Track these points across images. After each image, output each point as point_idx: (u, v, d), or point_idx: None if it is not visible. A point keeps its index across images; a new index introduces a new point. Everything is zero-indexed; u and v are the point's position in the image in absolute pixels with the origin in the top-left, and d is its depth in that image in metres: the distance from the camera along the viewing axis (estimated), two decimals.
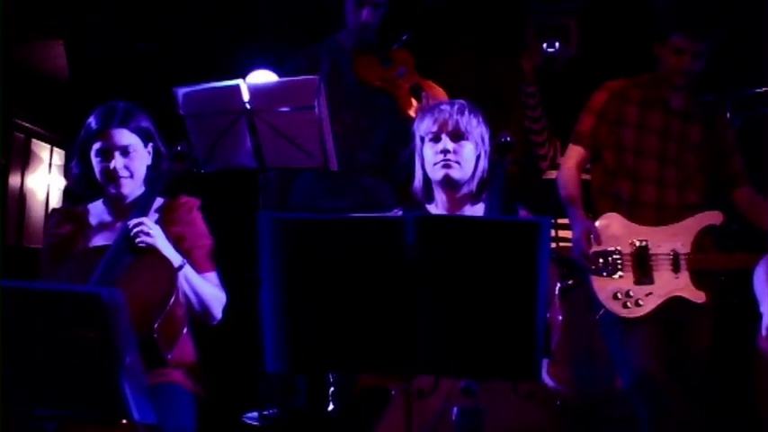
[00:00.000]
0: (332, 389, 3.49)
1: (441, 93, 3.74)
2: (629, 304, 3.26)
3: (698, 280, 3.29)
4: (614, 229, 3.33)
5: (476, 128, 2.72)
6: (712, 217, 3.36)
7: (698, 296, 3.27)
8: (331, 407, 3.45)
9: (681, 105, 3.41)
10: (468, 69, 5.22)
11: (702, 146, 3.41)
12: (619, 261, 3.30)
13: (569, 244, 3.78)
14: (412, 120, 3.21)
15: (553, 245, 4.10)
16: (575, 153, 3.44)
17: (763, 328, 2.58)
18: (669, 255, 3.30)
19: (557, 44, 4.91)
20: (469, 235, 1.85)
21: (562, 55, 4.92)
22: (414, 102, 3.68)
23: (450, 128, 2.69)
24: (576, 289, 3.75)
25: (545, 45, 4.93)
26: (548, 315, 2.45)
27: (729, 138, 3.49)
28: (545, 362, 2.56)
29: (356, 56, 3.80)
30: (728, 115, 4.34)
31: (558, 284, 2.53)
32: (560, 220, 4.15)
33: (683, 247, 3.31)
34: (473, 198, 2.77)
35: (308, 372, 2.78)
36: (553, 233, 4.20)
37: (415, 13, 4.86)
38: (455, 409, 2.14)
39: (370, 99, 3.80)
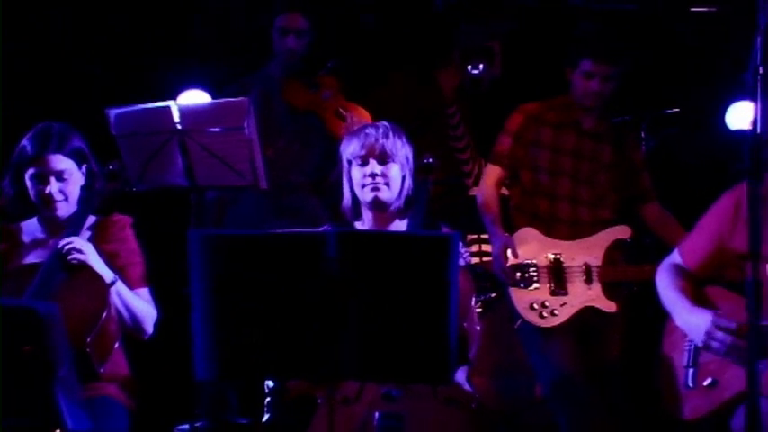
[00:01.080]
0: (267, 399, 3.59)
1: (364, 114, 3.89)
2: (545, 314, 3.45)
3: (609, 291, 3.49)
4: (530, 244, 3.52)
5: (401, 149, 2.87)
6: (621, 231, 3.57)
7: (609, 306, 3.47)
8: (266, 417, 3.54)
9: (592, 127, 3.61)
10: (399, 91, 5.37)
11: (613, 165, 3.62)
12: (535, 273, 3.49)
13: (491, 258, 3.95)
14: (341, 140, 3.36)
15: (477, 259, 4.26)
16: (493, 172, 3.62)
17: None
18: (582, 267, 3.50)
19: (481, 66, 5.10)
20: (386, 249, 1.99)
21: (487, 76, 5.11)
22: (340, 123, 3.83)
23: (376, 151, 2.83)
24: (499, 301, 3.92)
25: (470, 67, 5.12)
26: (465, 325, 2.60)
27: (638, 157, 3.72)
28: (464, 369, 2.70)
29: (284, 83, 3.94)
30: (643, 135, 4.59)
31: (475, 297, 2.67)
32: (485, 236, 4.31)
33: (595, 259, 3.51)
34: (399, 215, 2.92)
35: (236, 378, 2.87)
36: (477, 248, 4.36)
37: (345, 38, 4.99)
38: (377, 414, 2.26)
39: (302, 123, 3.94)
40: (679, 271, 2.63)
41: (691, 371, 2.52)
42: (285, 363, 2.03)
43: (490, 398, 4.13)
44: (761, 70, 2.03)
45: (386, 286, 2.00)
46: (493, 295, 4.16)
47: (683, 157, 4.70)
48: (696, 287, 2.60)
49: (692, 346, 2.51)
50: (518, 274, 3.48)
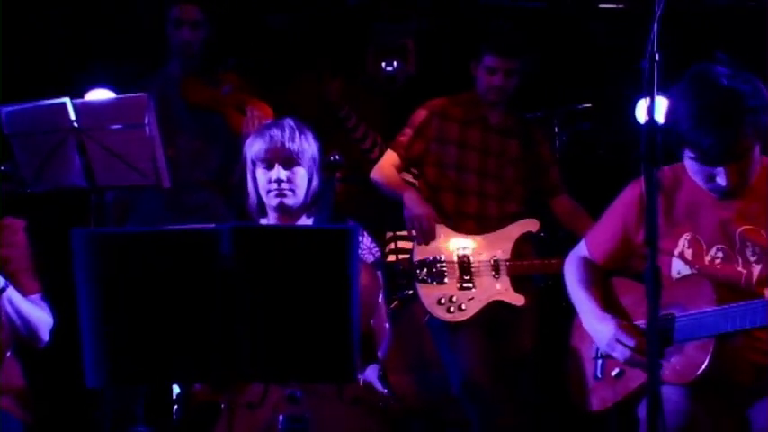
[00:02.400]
0: (175, 407, 3.47)
1: (266, 110, 3.80)
2: (452, 309, 3.43)
3: (517, 284, 3.49)
4: (438, 239, 3.49)
5: (307, 150, 2.77)
6: (530, 225, 3.57)
7: (517, 300, 3.47)
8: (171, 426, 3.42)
9: (499, 122, 3.61)
10: (311, 90, 5.31)
11: (521, 159, 3.63)
12: (443, 268, 3.46)
13: (407, 256, 3.92)
14: (243, 137, 3.28)
15: (393, 257, 4.22)
16: (390, 157, 3.60)
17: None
18: (490, 261, 3.49)
19: (395, 63, 5.08)
20: (282, 243, 1.92)
21: (401, 74, 5.09)
22: (241, 118, 3.73)
23: (282, 156, 2.73)
24: (415, 298, 3.88)
25: (384, 64, 5.10)
26: (372, 322, 2.55)
27: (546, 151, 3.73)
28: (375, 367, 2.65)
29: (183, 80, 3.82)
30: (556, 130, 4.63)
31: (396, 294, 2.62)
32: (401, 233, 4.28)
33: (503, 253, 3.51)
34: (305, 212, 2.84)
35: (127, 384, 2.76)
36: (393, 245, 4.32)
37: (256, 36, 4.91)
38: (281, 417, 2.19)
39: (203, 121, 3.82)
40: (586, 264, 2.63)
41: (599, 362, 2.52)
42: (179, 366, 1.94)
43: (408, 395, 4.10)
44: (657, 57, 2.03)
45: (283, 282, 1.93)
46: (409, 292, 4.13)
47: (595, 151, 4.75)
48: (603, 280, 2.60)
49: None
50: (425, 269, 3.45)
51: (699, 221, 2.38)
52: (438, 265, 3.46)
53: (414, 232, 3.48)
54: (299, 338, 1.95)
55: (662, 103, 4.00)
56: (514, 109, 3.67)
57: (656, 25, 2.00)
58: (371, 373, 2.60)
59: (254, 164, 2.79)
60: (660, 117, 2.06)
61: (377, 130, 4.52)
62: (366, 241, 2.77)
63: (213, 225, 1.86)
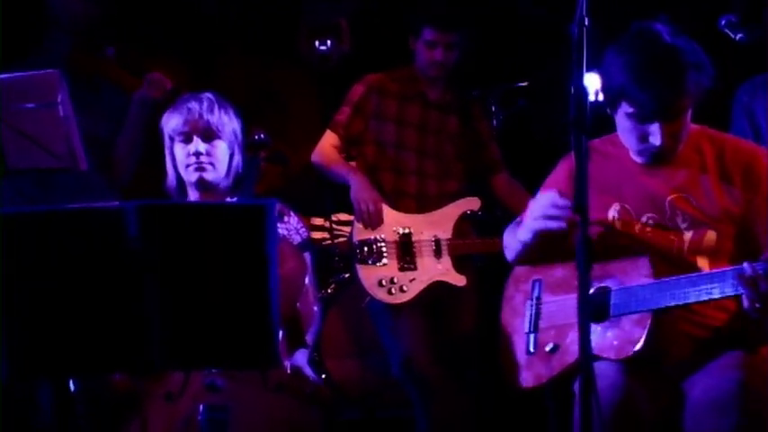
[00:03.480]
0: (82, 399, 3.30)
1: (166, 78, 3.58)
2: (393, 291, 3.34)
3: (459, 265, 3.42)
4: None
5: (227, 124, 2.64)
6: (470, 203, 3.50)
7: (459, 280, 3.40)
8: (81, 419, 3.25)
9: (438, 98, 3.52)
10: (243, 71, 5.17)
11: (460, 136, 3.55)
12: (383, 249, 3.36)
13: (345, 239, 3.82)
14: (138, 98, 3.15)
15: (329, 241, 4.12)
16: (330, 138, 3.49)
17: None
18: (431, 241, 3.41)
19: (329, 42, 4.96)
20: (193, 221, 1.80)
21: (335, 53, 4.98)
22: (132, 80, 3.49)
23: (200, 128, 2.60)
24: (352, 281, 3.78)
25: (317, 43, 4.98)
26: (298, 305, 2.44)
27: (485, 128, 3.66)
28: (304, 352, 2.54)
29: (68, 58, 3.61)
30: (493, 108, 4.57)
31: (309, 276, 2.50)
32: (341, 216, 4.19)
33: (445, 233, 3.43)
34: (228, 193, 2.71)
35: (28, 379, 2.61)
36: (329, 226, 4.22)
37: (187, 16, 4.75)
38: (201, 407, 2.07)
39: (89, 100, 3.60)
40: None
41: (532, 336, 2.45)
42: (86, 358, 1.80)
43: (347, 380, 4.02)
44: (586, 22, 1.96)
45: (196, 263, 1.81)
46: (346, 276, 4.04)
47: (533, 129, 4.70)
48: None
49: (533, 311, 2.43)
50: (365, 249, 3.35)
51: (627, 191, 2.33)
52: (378, 245, 3.37)
53: (362, 215, 3.36)
54: (214, 323, 1.83)
55: (592, 78, 3.98)
56: (453, 84, 3.57)
57: None
58: (300, 359, 2.49)
59: (171, 139, 2.65)
60: (590, 84, 1.97)
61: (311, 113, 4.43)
62: (293, 221, 2.66)
63: (117, 203, 1.72)
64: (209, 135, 2.60)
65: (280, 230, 2.58)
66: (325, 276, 4.24)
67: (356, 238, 3.38)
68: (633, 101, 2.18)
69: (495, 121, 4.46)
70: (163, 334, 1.82)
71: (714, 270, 2.17)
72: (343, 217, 4.17)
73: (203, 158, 2.58)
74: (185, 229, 1.80)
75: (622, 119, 2.25)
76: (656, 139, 2.20)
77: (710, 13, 3.05)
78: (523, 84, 4.56)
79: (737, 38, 2.82)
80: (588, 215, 1.85)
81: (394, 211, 3.41)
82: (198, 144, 2.59)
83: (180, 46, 4.81)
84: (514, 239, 2.47)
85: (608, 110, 2.30)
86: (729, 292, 2.06)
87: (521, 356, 2.46)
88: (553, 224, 2.20)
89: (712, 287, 2.09)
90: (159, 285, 1.80)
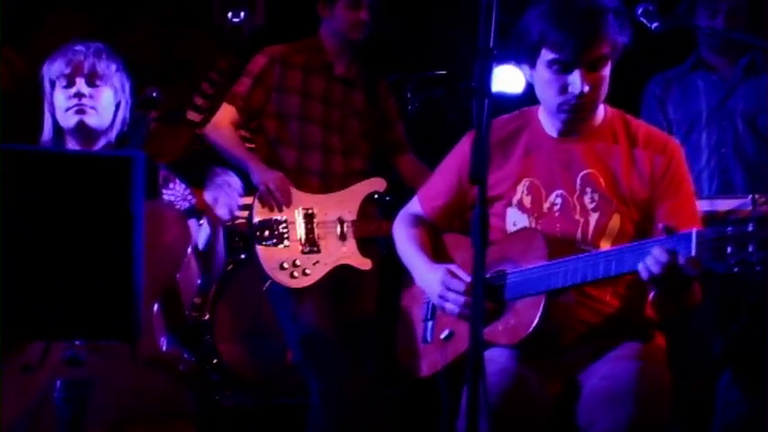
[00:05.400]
0: None
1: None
2: (296, 274, 3.16)
3: (363, 247, 3.28)
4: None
5: (115, 73, 2.43)
6: (376, 184, 3.36)
7: (364, 263, 3.26)
8: None
9: (344, 72, 3.37)
10: (153, 39, 4.95)
11: (365, 113, 3.40)
12: (285, 230, 3.19)
13: (243, 220, 3.62)
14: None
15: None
16: (227, 112, 3.28)
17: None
18: (336, 222, 3.26)
19: (242, 14, 4.77)
20: (50, 171, 1.60)
21: (247, 25, 4.79)
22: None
23: (85, 70, 2.39)
24: (249, 262, 3.60)
25: (230, 15, 4.78)
26: (178, 276, 2.26)
27: (391, 106, 3.52)
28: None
29: None
30: (409, 95, 4.46)
31: (191, 249, 2.32)
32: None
33: (350, 214, 3.28)
34: (110, 148, 2.49)
35: None
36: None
37: None
38: (58, 381, 1.87)
39: None
40: (418, 221, 2.44)
41: (428, 324, 2.33)
42: None
43: (240, 364, 3.84)
44: None
45: (55, 218, 1.61)
46: (243, 256, 3.86)
47: (447, 118, 4.61)
48: (435, 237, 2.42)
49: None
50: (266, 231, 3.17)
51: (539, 166, 2.24)
52: (280, 226, 3.18)
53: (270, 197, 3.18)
54: (69, 287, 1.64)
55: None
56: (358, 60, 3.43)
57: None
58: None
59: (52, 85, 2.42)
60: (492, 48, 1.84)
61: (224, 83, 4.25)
62: (179, 188, 2.47)
63: None
64: (94, 79, 2.39)
65: (165, 197, 2.40)
66: (225, 255, 4.06)
67: (256, 218, 3.19)
68: (553, 44, 2.11)
69: (409, 108, 4.37)
70: (11, 298, 1.62)
71: (609, 249, 2.09)
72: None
73: (86, 101, 2.37)
74: (40, 179, 1.61)
75: (542, 71, 2.17)
76: (575, 87, 2.12)
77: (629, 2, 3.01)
78: (441, 72, 4.48)
79: (653, 27, 2.76)
80: (486, 185, 1.73)
81: (297, 191, 3.24)
82: (81, 86, 2.38)
83: (91, 12, 4.58)
84: (401, 244, 2.42)
85: (528, 70, 2.20)
86: (624, 269, 1.98)
87: (417, 344, 2.36)
88: (442, 305, 2.22)
89: (608, 264, 2.00)
90: (14, 243, 1.60)
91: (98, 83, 2.39)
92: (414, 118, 4.38)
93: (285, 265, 3.17)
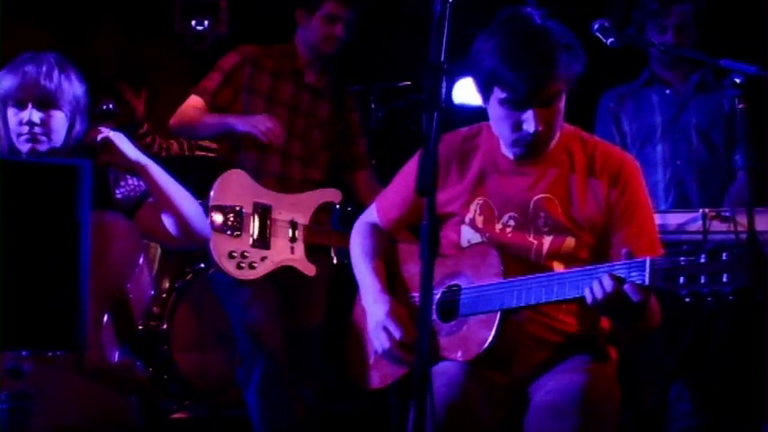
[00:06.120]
0: None
1: None
2: (242, 265, 3.14)
3: (311, 254, 3.27)
4: (238, 186, 3.20)
5: (67, 91, 2.37)
6: (332, 194, 3.37)
7: (308, 269, 3.26)
8: None
9: (314, 80, 3.38)
10: (114, 48, 4.93)
11: (329, 124, 3.40)
12: (240, 220, 3.17)
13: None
14: None
15: None
16: (194, 101, 3.26)
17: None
18: (288, 223, 3.25)
19: (206, 22, 4.76)
20: (1, 178, 1.57)
21: (211, 33, 4.77)
22: None
23: (36, 94, 2.34)
24: (206, 274, 3.57)
25: (194, 22, 4.76)
26: (129, 286, 2.23)
27: (355, 120, 3.52)
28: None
29: None
30: (373, 106, 4.46)
31: (144, 256, 2.29)
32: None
33: (303, 218, 3.28)
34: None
35: None
36: None
37: None
38: (2, 394, 1.84)
39: None
40: (375, 232, 2.44)
41: None
42: None
43: (196, 375, 3.81)
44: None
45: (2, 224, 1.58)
46: (202, 265, 3.83)
47: (408, 128, 4.63)
48: (389, 249, 2.42)
49: None
50: (221, 217, 3.13)
51: (493, 187, 2.23)
52: (235, 215, 3.15)
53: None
54: (14, 297, 1.61)
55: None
56: (329, 71, 3.42)
57: None
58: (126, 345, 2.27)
59: (4, 103, 2.38)
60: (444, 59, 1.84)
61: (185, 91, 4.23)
62: (131, 181, 2.42)
63: None
64: (46, 103, 2.34)
65: (118, 194, 2.37)
66: (182, 265, 4.02)
67: (212, 202, 3.15)
68: (505, 84, 2.08)
69: (372, 119, 4.38)
70: None
71: (563, 271, 2.08)
72: None
73: (37, 129, 2.33)
74: None
75: (495, 107, 2.15)
76: (529, 125, 2.09)
77: (587, 17, 3.04)
78: (405, 83, 4.49)
79: (608, 42, 2.79)
80: (434, 197, 1.73)
81: (257, 184, 3.23)
82: (32, 113, 2.33)
83: (52, 17, 4.54)
84: (356, 258, 2.41)
85: (482, 100, 2.20)
86: (574, 293, 1.99)
87: (369, 356, 2.34)
88: (373, 339, 2.23)
89: (560, 288, 2.01)
90: None
91: (50, 107, 2.35)
92: (377, 129, 4.40)
93: (234, 255, 3.14)
